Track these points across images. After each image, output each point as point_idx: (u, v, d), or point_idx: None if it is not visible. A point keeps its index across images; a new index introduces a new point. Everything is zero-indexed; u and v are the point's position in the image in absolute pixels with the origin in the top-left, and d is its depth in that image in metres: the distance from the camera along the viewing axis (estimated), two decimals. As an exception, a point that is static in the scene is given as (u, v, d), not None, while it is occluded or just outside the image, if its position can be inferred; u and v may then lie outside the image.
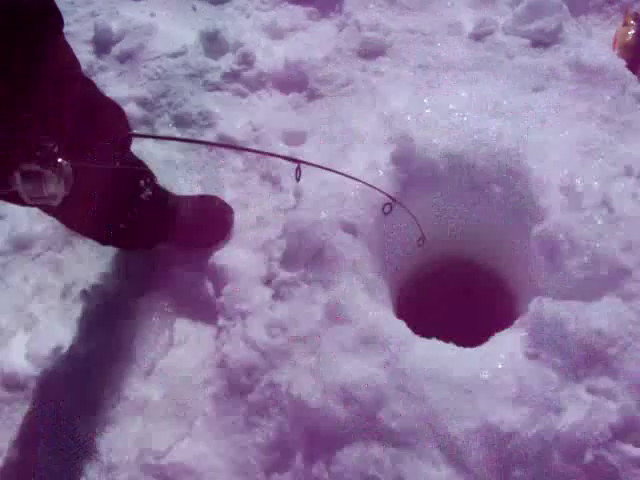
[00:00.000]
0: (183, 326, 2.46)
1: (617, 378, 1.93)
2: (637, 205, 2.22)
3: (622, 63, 2.66)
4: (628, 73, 2.65)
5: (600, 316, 1.99)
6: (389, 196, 2.15)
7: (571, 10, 2.90)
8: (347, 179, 2.32)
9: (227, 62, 3.02)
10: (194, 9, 3.30)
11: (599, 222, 2.13)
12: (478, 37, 2.86)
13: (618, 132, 2.48)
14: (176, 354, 2.39)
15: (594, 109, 2.52)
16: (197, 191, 2.67)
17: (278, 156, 1.94)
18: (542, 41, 2.79)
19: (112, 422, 2.26)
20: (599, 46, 2.76)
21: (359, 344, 2.04)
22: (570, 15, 2.88)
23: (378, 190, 2.17)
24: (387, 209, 2.12)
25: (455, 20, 2.95)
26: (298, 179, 1.91)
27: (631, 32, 2.86)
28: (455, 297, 2.58)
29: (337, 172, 2.00)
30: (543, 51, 2.77)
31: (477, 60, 2.77)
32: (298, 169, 1.90)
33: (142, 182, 2.26)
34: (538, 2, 2.82)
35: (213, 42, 3.05)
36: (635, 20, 2.91)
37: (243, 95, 2.96)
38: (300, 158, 1.87)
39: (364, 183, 2.14)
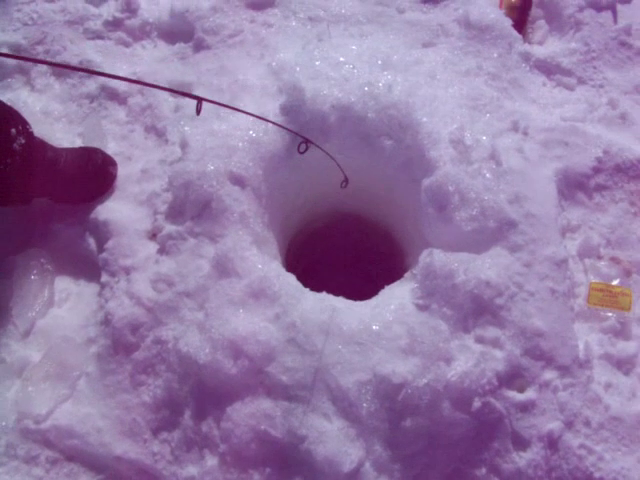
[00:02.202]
0: (64, 284, 2.34)
1: (504, 327, 2.00)
2: (522, 159, 2.28)
3: (509, 22, 2.71)
4: (514, 32, 2.71)
5: (488, 267, 2.05)
6: (303, 137, 2.07)
7: (460, -31, 2.91)
8: (234, 132, 2.27)
9: (109, 9, 2.86)
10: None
11: (487, 175, 2.17)
12: (369, -10, 2.82)
13: (505, 89, 2.53)
14: (57, 313, 2.28)
15: (482, 65, 2.56)
16: (78, 144, 2.52)
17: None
18: (432, -3, 2.80)
19: (-14, 386, 2.13)
20: (487, 5, 2.79)
21: (248, 298, 2.01)
22: (459, -27, 2.89)
23: (289, 130, 2.13)
24: (302, 148, 2.05)
25: (346, -28, 2.90)
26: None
27: (517, -7, 2.90)
28: (345, 252, 2.58)
29: (243, 112, 1.92)
30: (433, 7, 2.78)
31: (368, 14, 2.74)
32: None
33: (13, 130, 2.10)
34: (428, -43, 2.81)
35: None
36: (520, -19, 2.95)
37: (126, 44, 2.81)
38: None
39: (273, 123, 2.08)
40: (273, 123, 2.07)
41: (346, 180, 2.24)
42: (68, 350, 2.17)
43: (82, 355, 2.16)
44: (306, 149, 2.05)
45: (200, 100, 1.67)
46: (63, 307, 2.31)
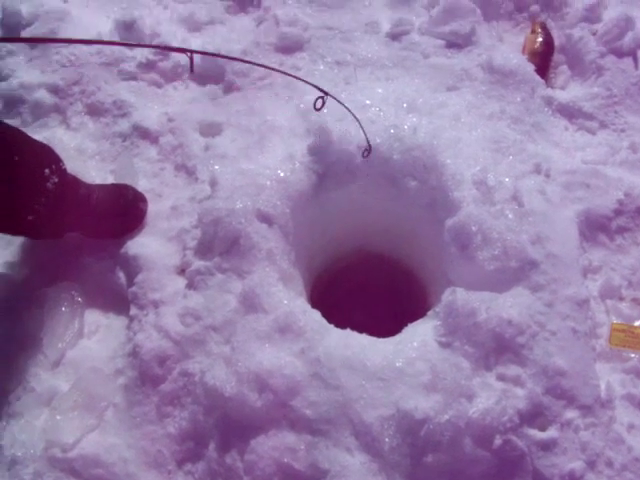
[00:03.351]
0: (94, 316, 2.39)
1: (525, 365, 2.02)
2: (544, 201, 2.32)
3: (532, 67, 2.78)
4: (537, 77, 2.78)
5: (510, 306, 2.08)
6: (321, 89, 2.06)
7: (484, 15, 3.00)
8: (263, 171, 2.33)
9: (143, 52, 2.95)
10: (109, -4, 3.23)
11: (510, 216, 2.22)
12: (395, 36, 2.92)
13: (527, 132, 2.59)
14: (86, 345, 2.33)
15: (505, 109, 2.62)
16: (110, 181, 2.60)
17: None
18: (456, 43, 2.88)
19: (16, 415, 2.18)
20: (510, 50, 2.87)
21: (274, 333, 2.05)
22: (483, 20, 2.98)
23: (308, 83, 2.11)
24: (319, 104, 2.03)
25: (372, 19, 3.00)
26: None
27: (539, 39, 2.98)
28: (370, 290, 2.62)
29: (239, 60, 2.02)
30: (457, 52, 2.86)
31: (393, 58, 2.83)
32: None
33: (47, 170, 2.18)
34: (453, 5, 2.90)
35: (129, 31, 2.98)
36: (542, 28, 3.03)
37: (159, 85, 2.91)
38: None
39: (286, 74, 2.13)
40: (286, 74, 2.12)
41: (369, 148, 2.27)
42: (96, 381, 2.22)
43: (110, 386, 2.21)
44: (322, 104, 2.04)
45: (191, 52, 1.73)
46: (92, 339, 2.36)
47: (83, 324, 2.37)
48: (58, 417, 2.15)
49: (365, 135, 2.26)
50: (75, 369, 2.27)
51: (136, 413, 2.13)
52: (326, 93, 2.04)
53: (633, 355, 2.17)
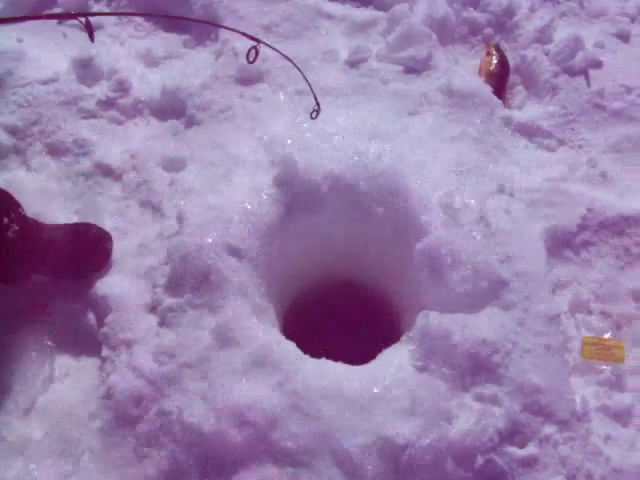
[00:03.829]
0: (64, 360, 2.34)
1: (501, 384, 2.04)
2: (510, 220, 2.37)
3: (489, 89, 2.84)
4: (495, 98, 2.84)
5: (484, 326, 2.10)
6: (252, 37, 2.00)
7: (439, 40, 3.07)
8: (229, 204, 2.33)
9: (102, 89, 2.94)
10: (64, 36, 3.21)
11: (478, 237, 2.25)
12: (353, 64, 2.96)
13: (489, 153, 2.64)
14: (58, 389, 2.28)
15: (466, 131, 2.67)
16: (74, 221, 2.56)
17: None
18: (414, 68, 2.94)
19: (-12, 466, 2.12)
20: (467, 73, 2.93)
21: (250, 367, 2.03)
22: (439, 44, 3.05)
23: (236, 31, 2.08)
24: (252, 56, 1.97)
25: (330, 47, 3.04)
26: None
27: (494, 61, 3.05)
28: (342, 317, 2.62)
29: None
30: (416, 78, 2.91)
31: (353, 86, 2.86)
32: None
33: (5, 219, 2.16)
34: (409, 31, 2.96)
35: (86, 69, 2.97)
36: (496, 50, 3.11)
37: (119, 122, 2.89)
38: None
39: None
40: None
41: (318, 107, 2.27)
42: (70, 426, 2.18)
43: (85, 430, 2.16)
44: (255, 56, 1.99)
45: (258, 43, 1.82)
46: (64, 383, 2.31)
47: (54, 368, 2.32)
48: (32, 466, 2.09)
49: (314, 94, 2.26)
50: (48, 415, 2.22)
51: (113, 456, 2.08)
52: (258, 41, 1.99)
53: (605, 367, 2.21)
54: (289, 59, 2.20)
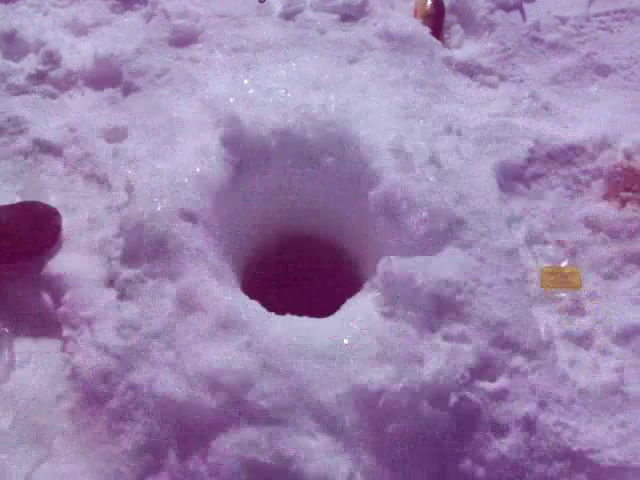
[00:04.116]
0: (24, 345, 2.28)
1: (468, 322, 2.07)
2: (461, 159, 2.39)
3: (427, 30, 2.83)
4: (433, 39, 2.84)
5: (444, 266, 2.12)
6: None
7: (373, -16, 3.03)
8: (178, 169, 2.29)
9: (30, 63, 2.84)
10: (-19, 10, 3.08)
11: (431, 178, 2.25)
12: (288, 16, 2.92)
13: (433, 94, 2.64)
14: (20, 375, 2.22)
15: (408, 74, 2.66)
16: (17, 202, 2.49)
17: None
18: (350, 15, 2.92)
19: (-45, 464, 2.07)
20: (404, 17, 2.91)
21: (217, 330, 2.01)
22: (373, -11, 3.01)
23: None
24: None
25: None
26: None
27: (429, 2, 3.02)
28: (303, 273, 2.61)
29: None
30: (353, 24, 2.89)
31: (291, 38, 2.82)
32: None
33: None
34: (342, -21, 2.91)
35: (11, 43, 2.86)
36: (430, -10, 3.08)
37: (53, 96, 2.80)
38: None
39: None
40: None
41: None
42: (38, 411, 2.13)
43: (54, 413, 2.11)
44: None
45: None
46: (26, 368, 2.24)
47: (13, 354, 2.26)
48: (3, 456, 2.05)
49: None
50: (13, 403, 2.15)
51: (87, 436, 2.05)
52: None
53: (564, 294, 2.26)
54: None
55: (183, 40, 2.84)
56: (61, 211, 2.42)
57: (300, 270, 2.64)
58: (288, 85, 2.50)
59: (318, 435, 1.90)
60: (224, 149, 2.36)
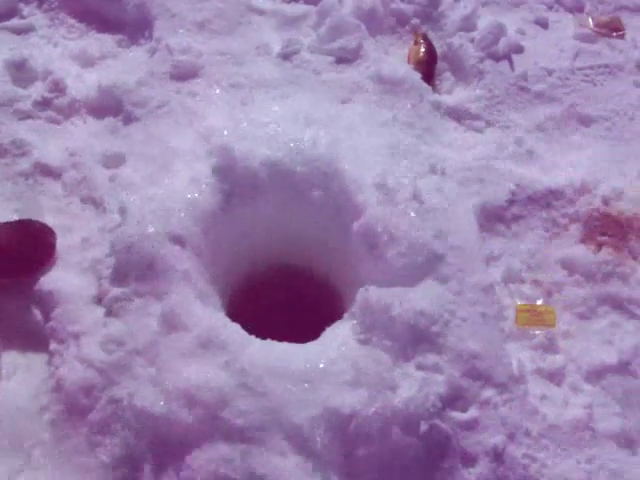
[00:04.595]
0: (11, 358, 2.34)
1: (441, 352, 2.12)
2: (442, 198, 2.47)
3: (418, 75, 2.96)
4: (424, 84, 2.96)
5: (421, 298, 2.19)
6: None
7: (369, 30, 3.20)
8: (170, 194, 2.37)
9: (37, 90, 2.96)
10: (-6, 40, 3.22)
11: (412, 214, 2.34)
12: (286, 56, 3.05)
13: (420, 136, 2.75)
14: (5, 386, 2.26)
15: (397, 116, 2.78)
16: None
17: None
18: (345, 58, 3.06)
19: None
20: (396, 62, 3.04)
21: (197, 348, 2.07)
22: (368, 35, 3.16)
23: None
24: None
25: (263, 42, 3.14)
26: None
27: (422, 49, 3.17)
28: (286, 301, 2.67)
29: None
30: (347, 67, 3.02)
31: (286, 77, 2.95)
32: None
33: None
34: (338, 23, 3.07)
35: (20, 71, 2.99)
36: (424, 39, 3.23)
37: (57, 122, 2.91)
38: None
39: None
40: None
41: None
42: (20, 420, 2.17)
43: (35, 424, 2.16)
44: None
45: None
46: (12, 380, 2.30)
47: (1, 366, 2.32)
48: (-17, 463, 2.10)
49: None
50: (-3, 412, 2.22)
51: (65, 447, 2.09)
52: None
53: (538, 332, 2.32)
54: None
55: (184, 75, 2.96)
56: (56, 231, 2.50)
57: (285, 298, 2.70)
58: (281, 120, 2.61)
59: (289, 455, 1.94)
60: (215, 178, 2.45)
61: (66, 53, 3.16)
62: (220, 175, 2.45)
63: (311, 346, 2.17)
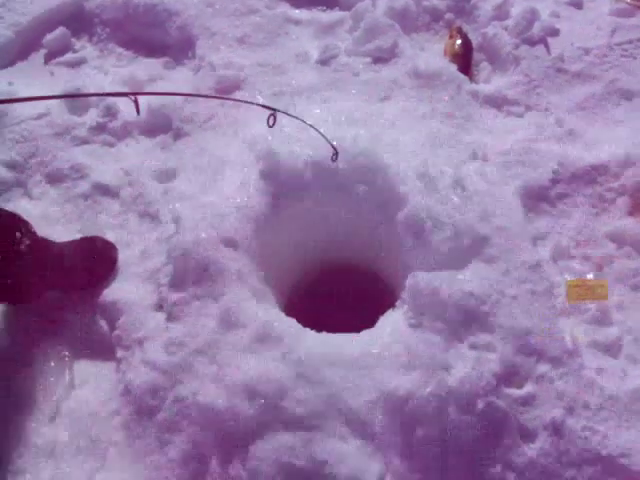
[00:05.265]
0: (82, 367, 2.47)
1: (493, 331, 2.15)
2: (485, 182, 2.50)
3: (454, 67, 3.00)
4: (461, 75, 3.00)
5: (469, 280, 2.22)
6: (270, 107, 2.18)
7: (403, 29, 3.25)
8: (221, 201, 2.47)
9: (91, 117, 3.12)
10: (51, 74, 3.40)
11: (455, 199, 2.38)
12: (324, 62, 3.14)
13: (460, 125, 2.78)
14: (79, 394, 2.40)
15: (436, 108, 2.83)
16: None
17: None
18: (382, 57, 3.13)
19: (22, 472, 2.23)
20: (432, 56, 3.09)
21: (255, 343, 2.16)
22: (403, 33, 3.22)
23: (256, 104, 2.27)
24: (271, 121, 2.17)
25: (302, 50, 3.23)
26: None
27: (458, 42, 3.21)
28: (342, 297, 2.73)
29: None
30: (384, 66, 3.09)
31: (326, 81, 3.04)
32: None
33: (18, 234, 2.30)
34: (373, 25, 3.14)
35: (75, 100, 3.15)
36: (458, 33, 3.26)
37: (111, 145, 3.06)
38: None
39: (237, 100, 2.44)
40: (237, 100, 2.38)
41: (336, 153, 2.39)
42: (94, 424, 2.30)
43: (108, 427, 2.29)
44: (274, 121, 2.17)
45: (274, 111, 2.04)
46: (84, 388, 2.43)
47: (73, 376, 2.45)
48: (63, 465, 2.22)
49: (328, 141, 2.39)
50: (72, 418, 2.33)
51: (137, 447, 2.20)
52: (275, 109, 2.18)
53: (590, 305, 2.32)
54: (305, 122, 2.37)
55: (227, 88, 3.08)
56: (117, 245, 2.64)
57: (341, 295, 2.76)
58: (322, 122, 2.67)
59: (350, 439, 2.00)
60: (262, 182, 2.54)
61: (117, 79, 3.31)
62: (267, 178, 2.55)
63: (364, 334, 2.23)
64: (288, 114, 2.29)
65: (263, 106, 2.17)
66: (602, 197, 2.63)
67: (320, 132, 2.36)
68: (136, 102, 1.91)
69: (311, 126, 2.35)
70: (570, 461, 2.02)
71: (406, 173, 2.45)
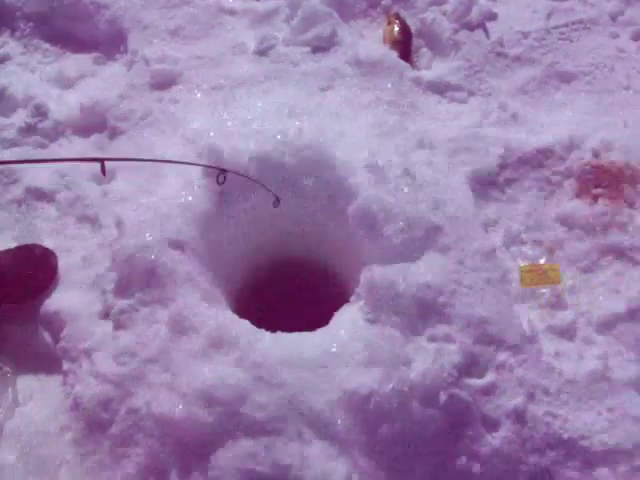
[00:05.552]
0: (26, 382, 2.36)
1: (451, 322, 2.13)
2: (434, 170, 2.48)
3: (395, 54, 2.97)
4: (402, 62, 2.97)
5: (425, 271, 2.20)
6: (219, 169, 2.21)
7: (341, 17, 3.20)
8: (164, 201, 2.38)
9: (20, 117, 2.98)
10: (-30, 74, 3.23)
11: (405, 190, 2.35)
12: (262, 52, 3.07)
13: (404, 113, 2.76)
14: (24, 411, 2.28)
15: (380, 96, 2.80)
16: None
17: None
18: (321, 46, 3.06)
19: (-35, 500, 2.12)
20: (372, 44, 3.05)
21: (209, 348, 2.08)
22: (341, 21, 3.16)
23: (203, 165, 2.32)
24: (221, 179, 2.18)
25: (238, 41, 3.15)
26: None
27: (396, 29, 3.17)
28: (295, 293, 2.68)
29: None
30: (324, 55, 3.03)
31: (265, 73, 2.96)
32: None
33: None
34: (310, 13, 3.08)
35: (1, 101, 3.00)
36: (397, 19, 3.22)
37: (43, 146, 2.93)
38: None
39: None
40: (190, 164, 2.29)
41: (277, 200, 2.35)
42: (43, 443, 2.19)
43: (58, 444, 2.18)
44: (224, 179, 2.19)
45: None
46: (29, 405, 2.31)
47: (17, 392, 2.33)
48: (11, 488, 2.11)
49: (267, 189, 2.36)
50: (18, 438, 2.22)
51: (90, 463, 2.10)
52: (224, 170, 2.20)
53: (544, 290, 2.33)
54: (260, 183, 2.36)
55: (163, 83, 2.97)
56: (56, 252, 2.51)
57: (293, 291, 2.70)
58: (264, 115, 2.62)
59: (313, 442, 1.95)
60: (206, 179, 2.46)
61: (44, 77, 3.17)
62: (211, 176, 2.45)
63: (321, 332, 2.18)
64: (237, 173, 2.31)
65: (210, 167, 2.23)
66: (549, 180, 2.64)
67: (261, 184, 2.36)
68: (103, 166, 1.80)
69: (255, 181, 2.36)
70: (534, 447, 2.04)
71: (354, 165, 2.40)
